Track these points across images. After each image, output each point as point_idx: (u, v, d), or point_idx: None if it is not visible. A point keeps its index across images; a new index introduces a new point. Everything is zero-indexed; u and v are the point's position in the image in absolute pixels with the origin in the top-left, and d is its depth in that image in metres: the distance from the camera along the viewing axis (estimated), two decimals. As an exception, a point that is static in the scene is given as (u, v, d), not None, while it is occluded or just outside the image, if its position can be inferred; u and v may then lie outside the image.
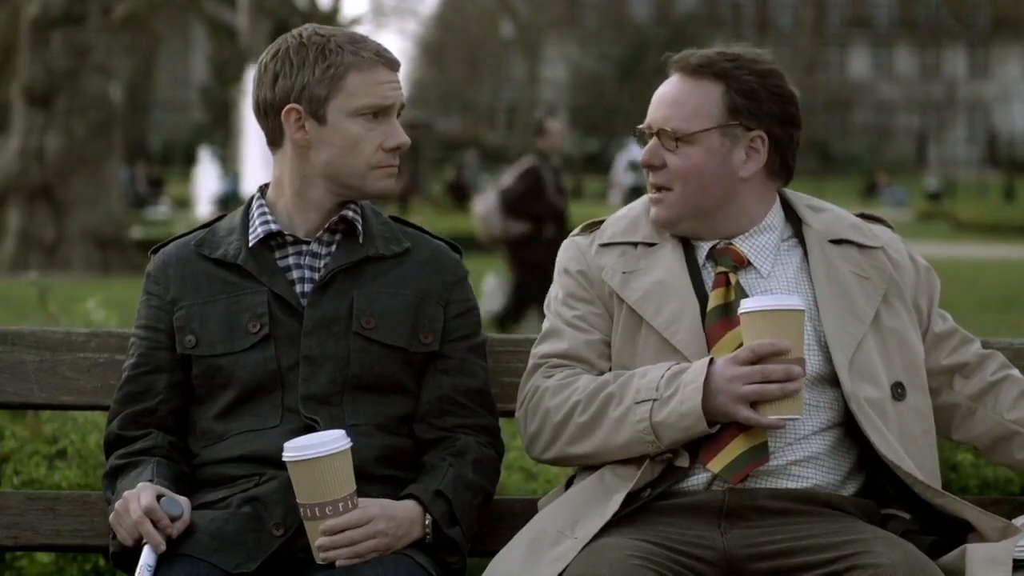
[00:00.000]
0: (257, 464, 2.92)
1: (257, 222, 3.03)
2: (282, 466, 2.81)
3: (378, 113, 3.00)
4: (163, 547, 2.79)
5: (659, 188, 3.03)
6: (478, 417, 3.05)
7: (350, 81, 2.98)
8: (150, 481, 2.87)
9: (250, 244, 3.01)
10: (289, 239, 3.03)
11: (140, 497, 2.81)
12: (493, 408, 3.09)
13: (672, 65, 3.05)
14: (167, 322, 3.02)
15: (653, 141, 3.02)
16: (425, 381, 3.04)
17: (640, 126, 3.05)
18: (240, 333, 2.98)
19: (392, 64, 3.02)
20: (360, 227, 3.05)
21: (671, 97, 3.02)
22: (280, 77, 2.99)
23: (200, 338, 2.99)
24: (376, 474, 2.94)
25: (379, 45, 3.03)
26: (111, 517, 2.86)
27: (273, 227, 3.02)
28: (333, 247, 3.04)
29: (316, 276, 3.02)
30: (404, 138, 3.02)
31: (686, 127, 2.98)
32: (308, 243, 3.03)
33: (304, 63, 2.98)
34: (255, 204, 3.06)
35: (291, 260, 3.03)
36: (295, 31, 3.05)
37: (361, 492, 2.84)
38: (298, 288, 3.01)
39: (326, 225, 3.03)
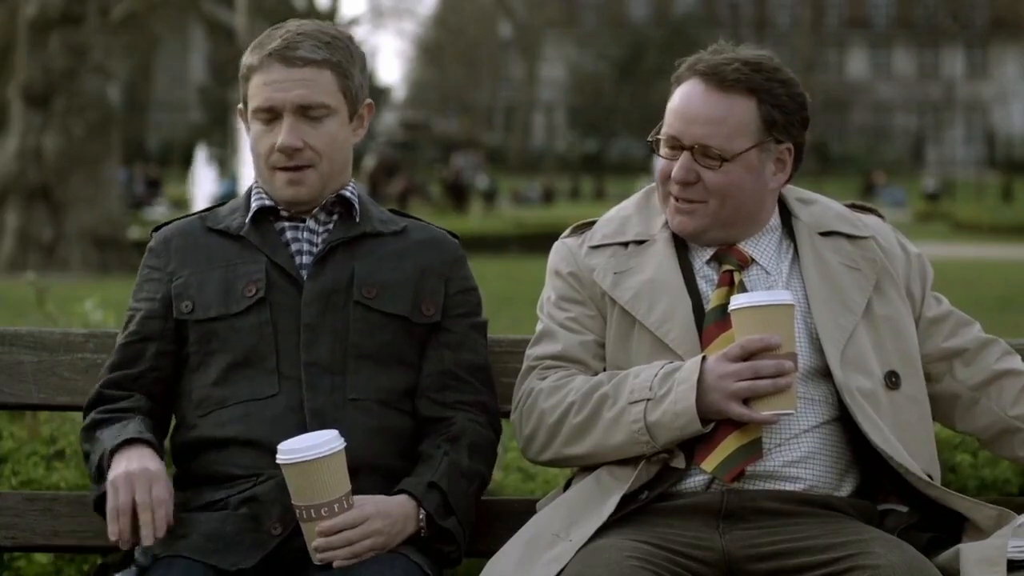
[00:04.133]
0: (258, 455, 2.90)
1: (254, 199, 3.08)
2: None
3: (271, 116, 3.00)
4: (150, 541, 2.78)
5: (689, 201, 2.99)
6: (478, 394, 3.06)
7: (251, 83, 3.03)
8: (140, 433, 2.86)
9: (249, 217, 3.05)
10: (284, 213, 3.06)
11: (157, 484, 2.79)
12: (493, 386, 3.11)
13: (692, 73, 2.98)
14: (164, 292, 3.04)
15: (687, 158, 2.96)
16: (427, 355, 3.05)
17: (661, 136, 3.00)
18: (235, 297, 3.00)
19: (289, 60, 3.00)
20: (357, 205, 3.08)
21: (707, 114, 2.95)
22: None
23: (196, 303, 3.01)
24: (370, 457, 2.92)
25: (291, 39, 3.00)
26: (114, 476, 2.81)
27: (267, 202, 3.06)
28: (331, 225, 3.07)
29: (314, 250, 3.04)
30: (285, 139, 2.99)
31: (730, 147, 2.94)
32: (304, 221, 3.06)
33: (241, 64, 3.07)
34: (254, 185, 3.11)
35: (289, 235, 3.06)
36: None
37: (356, 477, 2.83)
38: (297, 260, 3.04)
39: (323, 203, 3.06)
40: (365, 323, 2.99)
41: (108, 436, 2.91)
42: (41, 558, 3.97)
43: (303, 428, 2.89)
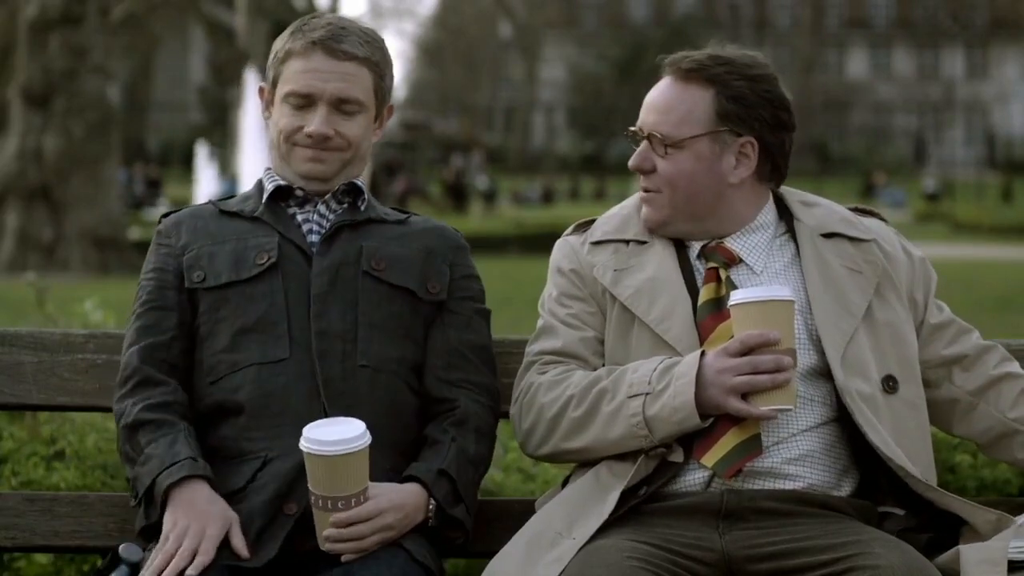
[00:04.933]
0: (266, 431, 2.91)
1: (267, 182, 3.13)
2: (292, 428, 2.83)
3: (304, 101, 3.05)
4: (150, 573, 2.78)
5: (649, 191, 3.04)
6: (481, 375, 3.09)
7: (287, 67, 3.08)
8: (194, 469, 2.84)
9: (264, 198, 3.10)
10: (299, 192, 3.11)
11: (208, 541, 2.79)
12: (495, 368, 3.14)
13: (665, 67, 3.04)
14: (175, 265, 3.08)
15: (644, 145, 3.02)
16: (432, 334, 3.09)
17: (632, 128, 3.05)
18: (247, 265, 3.04)
19: (333, 52, 3.05)
20: (365, 194, 3.14)
21: (661, 102, 3.02)
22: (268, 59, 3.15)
23: (207, 273, 3.05)
24: (378, 428, 2.90)
25: (336, 32, 3.06)
26: (169, 528, 2.81)
27: (281, 182, 3.11)
28: (339, 211, 3.12)
29: (323, 231, 3.09)
30: (317, 128, 3.04)
31: (675, 133, 2.98)
32: (316, 202, 3.11)
33: (275, 46, 3.12)
34: (264, 171, 3.16)
35: (300, 217, 3.11)
36: None
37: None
38: (309, 239, 3.09)
39: (335, 189, 3.11)
40: (375, 293, 3.04)
41: (157, 456, 2.89)
42: (41, 558, 3.97)
43: (316, 396, 2.93)
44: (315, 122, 3.04)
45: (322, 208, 3.11)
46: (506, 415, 3.14)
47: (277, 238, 3.06)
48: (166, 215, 3.19)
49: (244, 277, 3.02)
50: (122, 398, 3.01)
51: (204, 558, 2.78)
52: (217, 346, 3.01)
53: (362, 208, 3.13)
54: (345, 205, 3.13)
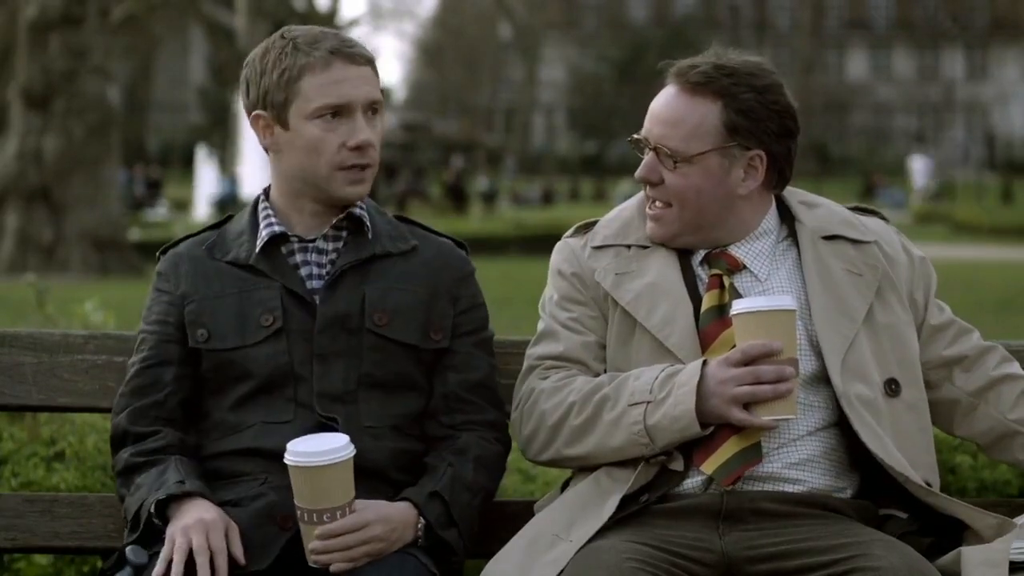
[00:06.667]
0: (267, 460, 2.90)
1: (262, 224, 3.04)
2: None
3: (337, 112, 2.97)
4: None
5: (657, 205, 3.02)
6: (484, 413, 3.05)
7: (305, 84, 2.96)
8: (180, 487, 2.83)
9: (258, 247, 3.01)
10: (294, 239, 3.03)
11: (213, 532, 2.78)
12: (499, 402, 3.10)
13: (670, 75, 3.02)
14: (177, 316, 3.02)
15: (651, 157, 3.00)
16: (433, 378, 3.05)
17: (636, 136, 3.03)
18: (252, 327, 2.97)
19: (352, 58, 2.98)
20: (368, 223, 3.05)
21: (668, 115, 2.99)
22: (251, 85, 3.02)
23: (212, 332, 2.99)
24: (390, 477, 2.94)
25: (342, 40, 3.00)
26: (171, 530, 2.79)
27: (277, 229, 3.02)
28: (341, 244, 3.04)
29: (324, 272, 3.02)
30: (366, 135, 2.97)
31: (684, 149, 2.96)
32: (313, 240, 3.03)
33: (266, 69, 2.99)
34: (260, 206, 3.08)
35: (298, 258, 3.03)
36: (272, 36, 3.05)
37: (374, 493, 2.84)
38: (308, 285, 3.01)
39: (333, 222, 3.03)
40: (377, 352, 2.98)
41: (148, 483, 2.88)
42: (41, 559, 3.97)
43: None
44: (361, 131, 2.96)
45: (320, 243, 3.03)
46: (508, 415, 3.13)
47: (279, 289, 2.98)
48: (163, 251, 3.11)
49: (250, 342, 2.97)
50: (117, 452, 3.00)
51: (221, 559, 2.77)
52: (224, 404, 2.98)
53: (369, 237, 3.04)
54: (345, 233, 3.04)
